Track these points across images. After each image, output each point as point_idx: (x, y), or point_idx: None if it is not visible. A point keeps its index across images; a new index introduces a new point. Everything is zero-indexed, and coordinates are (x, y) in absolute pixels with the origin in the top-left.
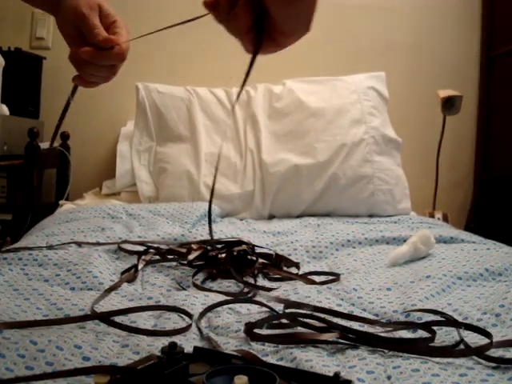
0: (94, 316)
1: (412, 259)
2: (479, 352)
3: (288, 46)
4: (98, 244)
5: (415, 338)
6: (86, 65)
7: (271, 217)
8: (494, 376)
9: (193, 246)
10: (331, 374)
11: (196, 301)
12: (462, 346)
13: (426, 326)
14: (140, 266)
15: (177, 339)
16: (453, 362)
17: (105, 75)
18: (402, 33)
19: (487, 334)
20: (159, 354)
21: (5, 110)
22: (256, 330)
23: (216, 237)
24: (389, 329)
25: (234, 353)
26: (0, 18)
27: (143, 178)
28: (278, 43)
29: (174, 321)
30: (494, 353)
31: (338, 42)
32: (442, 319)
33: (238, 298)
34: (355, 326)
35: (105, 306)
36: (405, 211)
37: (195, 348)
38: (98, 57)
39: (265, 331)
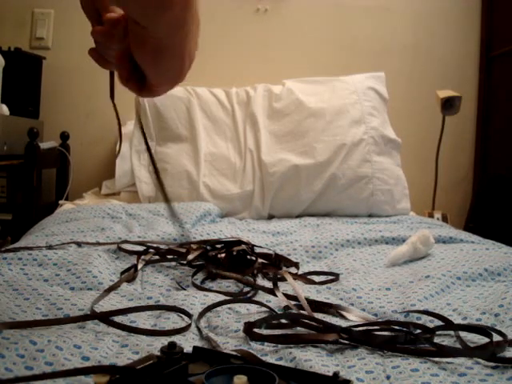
0: (93, 316)
1: (411, 259)
2: (481, 352)
3: (162, 94)
4: (98, 244)
5: (415, 338)
6: (98, 44)
7: (271, 217)
8: (493, 376)
9: (192, 245)
10: (330, 374)
11: (195, 301)
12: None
13: (425, 326)
14: (139, 266)
15: (176, 339)
16: (452, 362)
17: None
18: (402, 33)
19: (488, 334)
20: (158, 353)
21: (5, 109)
22: (255, 330)
23: (216, 237)
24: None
25: (234, 352)
26: (0, 17)
27: (143, 178)
28: (152, 92)
29: (173, 321)
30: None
31: (337, 42)
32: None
33: (237, 297)
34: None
35: (104, 305)
36: (404, 211)
37: (194, 348)
38: (105, 37)
39: (264, 331)
